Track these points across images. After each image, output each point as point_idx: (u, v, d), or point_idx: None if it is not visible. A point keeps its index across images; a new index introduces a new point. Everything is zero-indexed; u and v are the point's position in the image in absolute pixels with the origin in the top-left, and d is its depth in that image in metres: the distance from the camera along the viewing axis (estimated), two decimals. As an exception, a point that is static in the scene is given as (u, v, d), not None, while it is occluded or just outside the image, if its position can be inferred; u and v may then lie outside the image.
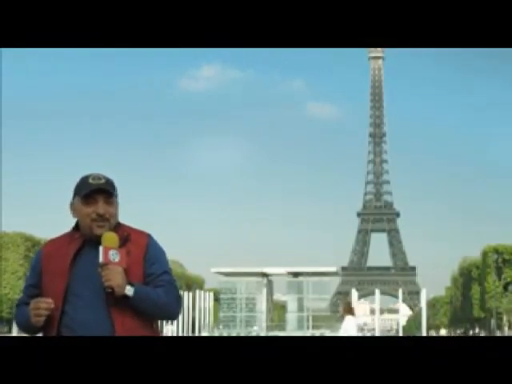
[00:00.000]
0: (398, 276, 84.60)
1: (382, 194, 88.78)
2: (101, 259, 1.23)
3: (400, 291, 26.65)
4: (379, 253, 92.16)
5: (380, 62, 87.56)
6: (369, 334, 27.61)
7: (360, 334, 5.14)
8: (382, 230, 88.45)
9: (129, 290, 1.22)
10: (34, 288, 1.29)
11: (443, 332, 39.92)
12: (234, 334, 18.42)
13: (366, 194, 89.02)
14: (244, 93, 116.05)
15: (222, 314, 20.48)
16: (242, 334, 18.51)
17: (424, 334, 20.66)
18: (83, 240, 1.29)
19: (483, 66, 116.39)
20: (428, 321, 26.13)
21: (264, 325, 20.37)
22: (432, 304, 44.57)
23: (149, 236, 1.32)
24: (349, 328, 5.47)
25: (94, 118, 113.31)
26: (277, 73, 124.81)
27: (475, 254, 31.60)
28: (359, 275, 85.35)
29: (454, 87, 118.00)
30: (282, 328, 21.41)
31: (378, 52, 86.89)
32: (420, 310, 26.23)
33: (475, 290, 30.80)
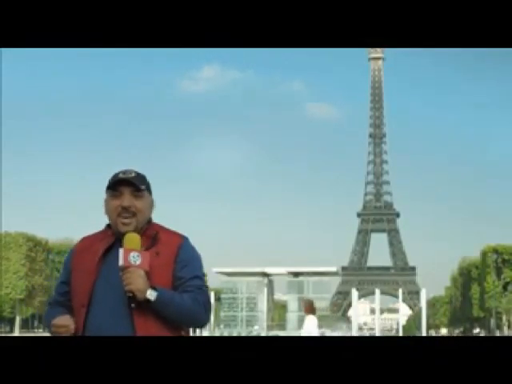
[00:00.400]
0: (398, 276, 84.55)
1: (381, 194, 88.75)
2: (120, 262, 1.17)
3: (400, 291, 26.66)
4: (379, 253, 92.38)
5: (380, 62, 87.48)
6: (369, 334, 27.61)
7: (316, 334, 5.11)
8: (382, 230, 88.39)
9: (151, 295, 1.15)
10: (65, 285, 1.25)
11: (444, 331, 39.96)
12: (234, 334, 18.51)
13: (366, 194, 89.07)
14: (244, 93, 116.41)
15: (222, 314, 20.53)
16: (243, 334, 18.61)
17: (424, 333, 20.71)
18: (115, 238, 1.22)
19: (483, 67, 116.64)
20: (428, 320, 26.17)
21: (265, 324, 20.42)
22: (432, 304, 44.55)
23: (184, 238, 1.25)
24: (310, 327, 5.46)
25: (94, 118, 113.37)
26: (277, 73, 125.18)
27: (475, 254, 31.64)
28: (359, 275, 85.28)
29: (453, 88, 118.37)
30: (283, 327, 21.46)
31: (377, 53, 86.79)
32: (420, 309, 26.25)
33: (475, 289, 30.78)
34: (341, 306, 75.07)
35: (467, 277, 32.96)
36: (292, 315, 20.79)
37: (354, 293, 25.43)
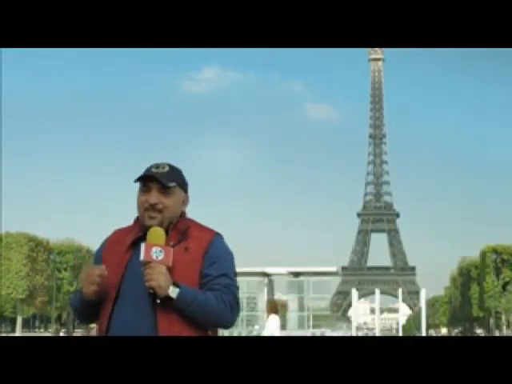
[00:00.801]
0: (398, 276, 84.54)
1: (381, 194, 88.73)
2: (142, 257, 1.12)
3: (400, 291, 26.65)
4: (379, 253, 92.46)
5: (380, 63, 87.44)
6: (369, 334, 27.61)
7: (278, 334, 5.11)
8: (382, 231, 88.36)
9: (172, 292, 1.10)
10: None
11: (444, 331, 40.01)
12: (235, 333, 18.51)
13: (366, 194, 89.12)
14: (244, 94, 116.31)
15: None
16: (244, 333, 18.63)
17: (424, 333, 20.72)
18: (143, 231, 1.17)
19: (482, 67, 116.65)
20: (427, 320, 26.18)
21: (265, 324, 20.34)
22: (431, 303, 44.57)
23: (215, 234, 1.19)
24: (272, 327, 5.46)
25: (95, 118, 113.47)
26: (276, 74, 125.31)
27: (474, 254, 31.63)
28: (359, 275, 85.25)
29: (452, 88, 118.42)
30: (283, 327, 21.47)
31: (377, 54, 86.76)
32: (419, 309, 26.25)
33: (474, 289, 30.78)
34: (341, 306, 75.03)
35: (467, 277, 32.91)
36: (292, 315, 20.79)
37: (354, 293, 25.42)
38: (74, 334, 26.80)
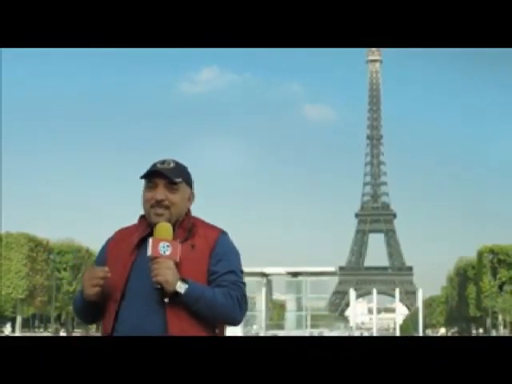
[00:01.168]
0: (395, 276, 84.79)
1: (379, 195, 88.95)
2: (149, 252, 1.10)
3: (397, 291, 26.75)
4: (377, 253, 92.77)
5: (378, 65, 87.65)
6: (366, 333, 27.78)
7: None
8: (380, 231, 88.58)
9: (180, 287, 1.09)
10: None
11: (442, 330, 40.18)
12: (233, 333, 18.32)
13: (363, 195, 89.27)
14: (242, 96, 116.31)
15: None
16: (242, 333, 18.60)
17: (421, 332, 20.76)
18: (149, 230, 1.16)
19: (480, 68, 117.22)
20: (424, 320, 26.26)
21: (263, 324, 20.43)
22: (428, 303, 44.75)
23: (222, 232, 1.18)
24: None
25: (94, 119, 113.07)
26: (275, 76, 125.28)
27: (471, 254, 31.73)
28: (357, 275, 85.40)
29: (450, 89, 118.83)
30: (281, 327, 21.49)
31: (375, 55, 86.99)
32: (417, 309, 26.35)
33: (471, 289, 30.90)
34: (339, 306, 75.17)
35: (463, 277, 32.99)
36: (290, 314, 20.80)
37: (352, 293, 25.44)
38: (74, 334, 26.82)
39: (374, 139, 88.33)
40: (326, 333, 19.27)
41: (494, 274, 27.35)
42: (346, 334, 20.96)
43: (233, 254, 1.19)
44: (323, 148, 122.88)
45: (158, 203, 1.15)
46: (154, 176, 1.16)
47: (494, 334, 26.36)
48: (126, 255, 1.16)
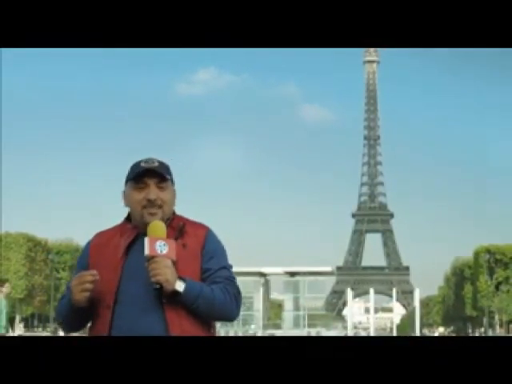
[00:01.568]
0: (392, 276, 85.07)
1: (376, 195, 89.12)
2: (146, 251, 1.07)
3: (394, 290, 26.84)
4: (374, 253, 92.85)
5: (375, 65, 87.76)
6: (363, 333, 27.87)
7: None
8: (377, 231, 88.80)
9: (179, 286, 1.07)
10: None
11: (441, 330, 40.41)
12: (231, 333, 18.49)
13: (360, 195, 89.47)
14: (239, 97, 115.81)
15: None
16: (240, 333, 18.61)
17: (417, 332, 20.83)
18: (137, 232, 1.14)
19: (478, 69, 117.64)
20: (421, 319, 26.36)
21: (261, 323, 20.44)
22: (425, 303, 45.09)
23: (207, 229, 1.18)
24: None
25: (92, 119, 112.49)
26: (272, 76, 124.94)
27: (468, 254, 31.85)
28: (354, 275, 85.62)
29: (446, 90, 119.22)
30: (279, 326, 21.52)
31: (372, 56, 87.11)
32: (413, 308, 26.46)
33: (467, 289, 31.03)
34: (336, 306, 75.32)
35: (460, 276, 33.14)
36: (288, 314, 20.83)
37: (349, 292, 25.49)
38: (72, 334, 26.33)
39: (371, 140, 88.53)
40: (324, 332, 19.31)
41: (491, 273, 27.49)
42: (344, 333, 21.00)
43: (221, 251, 1.19)
44: (321, 148, 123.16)
45: (151, 203, 1.13)
46: (145, 175, 1.14)
47: (490, 333, 26.50)
48: (114, 260, 1.13)
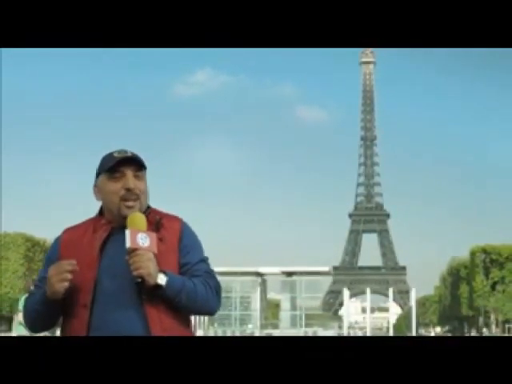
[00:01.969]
0: (389, 275, 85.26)
1: (372, 195, 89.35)
2: (128, 244, 1.03)
3: (390, 290, 26.94)
4: (370, 253, 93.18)
5: (371, 66, 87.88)
6: (360, 332, 27.93)
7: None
8: (373, 231, 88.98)
9: (161, 279, 1.04)
10: None
11: (438, 330, 40.60)
12: (228, 333, 18.50)
13: (357, 195, 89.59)
14: (236, 97, 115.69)
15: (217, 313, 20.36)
16: (237, 333, 18.62)
17: (414, 332, 20.92)
18: (111, 227, 1.10)
19: (475, 69, 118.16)
20: (418, 319, 26.47)
21: (258, 323, 20.47)
22: (421, 303, 45.02)
23: (181, 221, 1.14)
24: None
25: (91, 119, 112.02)
26: (268, 77, 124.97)
27: (464, 254, 32.02)
28: (351, 275, 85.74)
29: (443, 90, 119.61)
30: (276, 326, 21.54)
31: (369, 57, 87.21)
32: (410, 308, 26.57)
33: (463, 289, 31.13)
34: (333, 305, 75.41)
35: (456, 276, 33.24)
36: (285, 314, 20.86)
37: (346, 292, 25.55)
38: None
39: (368, 140, 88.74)
40: (320, 332, 19.36)
41: (487, 273, 27.58)
42: (340, 333, 21.06)
43: (197, 242, 1.16)
44: (317, 149, 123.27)
45: (130, 192, 1.09)
46: (121, 165, 1.09)
47: (485, 332, 26.65)
48: (89, 256, 1.09)
